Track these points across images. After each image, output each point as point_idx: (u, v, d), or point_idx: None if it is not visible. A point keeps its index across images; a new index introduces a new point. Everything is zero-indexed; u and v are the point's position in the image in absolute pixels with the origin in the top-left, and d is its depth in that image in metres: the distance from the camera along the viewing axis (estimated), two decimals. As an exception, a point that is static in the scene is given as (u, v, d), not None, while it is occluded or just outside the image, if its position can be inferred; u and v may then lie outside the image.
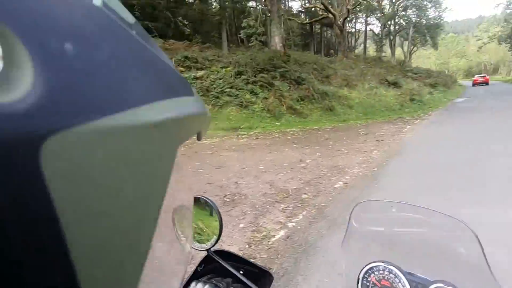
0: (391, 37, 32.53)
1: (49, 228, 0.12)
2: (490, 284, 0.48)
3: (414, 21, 31.90)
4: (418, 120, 8.91)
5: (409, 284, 0.53)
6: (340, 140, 6.20)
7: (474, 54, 60.24)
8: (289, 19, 20.57)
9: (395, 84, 14.97)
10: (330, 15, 19.12)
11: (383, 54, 31.68)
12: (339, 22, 18.89)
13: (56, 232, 0.12)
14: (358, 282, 0.57)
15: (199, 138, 0.26)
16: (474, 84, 29.18)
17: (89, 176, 0.13)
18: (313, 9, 23.65)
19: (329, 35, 30.06)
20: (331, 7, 19.05)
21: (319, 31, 29.51)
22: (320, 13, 21.76)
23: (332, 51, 25.63)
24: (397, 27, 32.59)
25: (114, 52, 0.16)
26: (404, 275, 0.54)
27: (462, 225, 0.53)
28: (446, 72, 52.15)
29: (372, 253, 0.59)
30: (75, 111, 0.12)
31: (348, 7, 19.03)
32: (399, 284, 0.54)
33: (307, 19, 24.69)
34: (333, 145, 5.72)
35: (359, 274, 0.57)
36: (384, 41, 33.20)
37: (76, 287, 0.13)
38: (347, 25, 30.22)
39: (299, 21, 23.41)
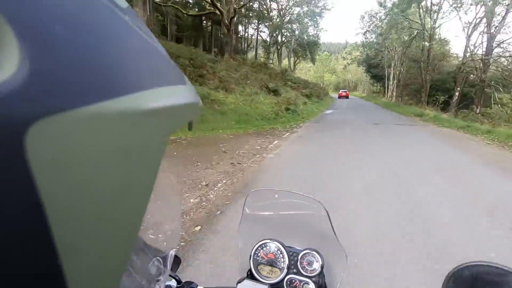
0: (278, 47, 34.68)
1: (33, 215, 0.11)
2: (337, 247, 0.66)
3: (297, 34, 35.06)
4: (287, 133, 8.46)
5: (287, 254, 0.68)
6: (187, 162, 4.64)
7: (341, 72, 72.80)
8: (163, 5, 18.14)
9: (275, 92, 15.00)
10: (218, 12, 18.00)
11: (271, 61, 33.44)
12: (226, 21, 17.97)
13: (40, 219, 0.11)
14: (250, 258, 0.69)
15: (190, 128, 0.25)
16: (339, 97, 35.00)
17: (76, 163, 0.12)
18: (203, 2, 22.12)
19: (222, 34, 29.36)
20: (220, 4, 17.94)
21: (210, 27, 28.25)
22: (208, 7, 20.38)
23: (215, 50, 24.66)
24: (283, 38, 35.18)
25: (105, 36, 0.15)
26: (284, 248, 0.69)
27: (319, 204, 0.68)
28: (321, 85, 60.77)
29: (262, 233, 0.72)
30: (62, 97, 0.12)
31: (235, 6, 18.31)
32: (281, 255, 0.68)
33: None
34: (168, 170, 4.08)
35: (251, 251, 0.69)
36: (272, 49, 35.06)
37: (60, 275, 0.12)
38: (239, 27, 30.62)
39: (184, 12, 21.32)
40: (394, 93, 29.40)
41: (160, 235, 0.41)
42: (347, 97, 35.46)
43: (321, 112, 16.69)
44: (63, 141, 0.12)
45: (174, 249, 0.43)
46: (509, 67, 17.84)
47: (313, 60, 40.20)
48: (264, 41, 35.91)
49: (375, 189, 3.60)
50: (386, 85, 31.73)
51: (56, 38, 0.12)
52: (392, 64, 29.49)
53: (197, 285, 0.63)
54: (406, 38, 24.55)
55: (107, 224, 0.15)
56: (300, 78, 28.24)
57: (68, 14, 0.14)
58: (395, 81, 29.46)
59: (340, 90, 39.45)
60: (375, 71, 35.89)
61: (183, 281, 0.61)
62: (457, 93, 20.77)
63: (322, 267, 0.66)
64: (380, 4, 24.88)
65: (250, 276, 0.69)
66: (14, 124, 0.10)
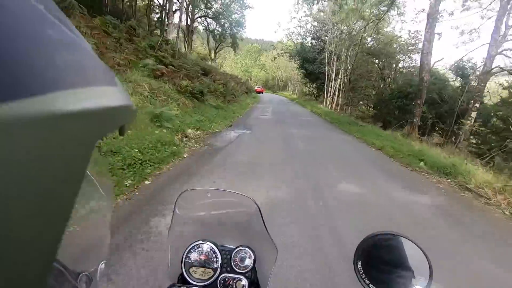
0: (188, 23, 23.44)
1: None
2: (268, 242, 0.68)
3: (215, 7, 24.56)
4: None
5: (220, 254, 0.69)
6: None
7: (270, 68, 65.22)
8: None
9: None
10: None
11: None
12: None
13: None
14: (182, 261, 0.68)
15: (121, 133, 0.24)
16: (257, 92, 36.54)
17: None
18: None
19: None
20: None
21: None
22: None
23: None
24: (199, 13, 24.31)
25: (9, 26, 0.13)
26: (217, 248, 0.69)
27: (251, 201, 0.70)
28: (250, 81, 51.65)
29: (194, 235, 0.72)
30: None
31: None
32: (214, 255, 0.69)
33: None
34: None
35: (183, 254, 0.69)
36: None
37: None
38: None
39: None
40: (336, 99, 21.48)
41: (86, 249, 0.38)
42: (262, 92, 40.77)
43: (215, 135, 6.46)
44: None
45: (104, 261, 0.40)
46: None
47: (234, 46, 29.97)
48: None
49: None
50: (326, 87, 23.68)
51: None
52: (336, 59, 21.42)
53: None
54: (370, 11, 16.10)
55: (17, 248, 0.13)
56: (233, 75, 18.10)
57: None
58: (337, 83, 21.56)
59: (256, 86, 42.92)
60: (311, 67, 27.84)
61: None
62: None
63: (254, 262, 0.70)
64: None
65: (182, 280, 0.69)
66: None
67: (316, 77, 28.27)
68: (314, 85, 32.60)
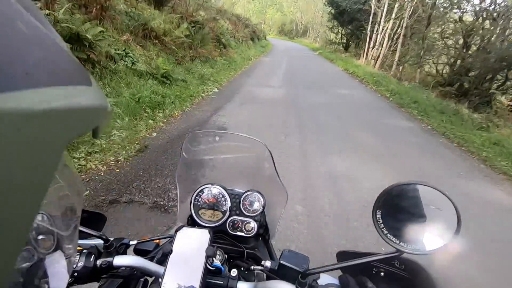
0: None
1: None
2: (279, 187, 0.69)
3: None
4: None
5: (229, 197, 0.71)
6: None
7: (288, 10, 54.34)
8: None
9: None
10: None
11: None
12: None
13: None
14: (190, 204, 0.70)
15: (95, 135, 0.22)
16: None
17: None
18: None
19: None
20: None
21: None
22: None
23: None
24: None
25: None
26: (226, 191, 0.71)
27: (262, 145, 0.69)
28: (262, 25, 42.56)
29: (202, 178, 0.73)
30: None
31: None
32: (223, 198, 0.70)
33: None
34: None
35: (191, 197, 0.70)
36: None
37: None
38: None
39: None
40: (383, 52, 14.08)
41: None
42: None
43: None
44: None
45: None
46: None
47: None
48: None
49: None
50: (369, 33, 15.85)
51: None
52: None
53: (129, 241, 0.62)
54: None
55: None
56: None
57: None
58: (386, 27, 13.91)
59: None
60: (346, 2, 19.64)
61: (111, 238, 0.59)
62: None
63: (263, 206, 0.71)
64: None
65: (191, 222, 0.72)
66: None
67: (351, 18, 20.11)
68: (344, 31, 24.31)
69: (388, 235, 0.50)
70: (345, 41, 24.85)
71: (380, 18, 14.20)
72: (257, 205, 0.71)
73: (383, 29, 14.21)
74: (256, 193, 0.71)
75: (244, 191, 0.72)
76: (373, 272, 0.57)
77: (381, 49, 14.24)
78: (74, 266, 0.52)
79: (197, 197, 0.71)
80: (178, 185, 0.73)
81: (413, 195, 0.49)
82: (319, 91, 7.46)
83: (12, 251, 0.14)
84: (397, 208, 0.50)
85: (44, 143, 0.15)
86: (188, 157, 0.73)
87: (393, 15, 13.35)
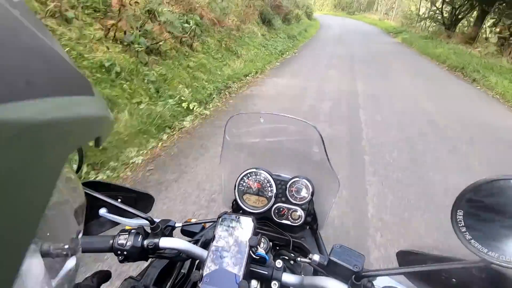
0: None
1: None
2: (329, 173, 0.63)
3: None
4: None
5: (275, 183, 0.67)
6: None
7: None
8: None
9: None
10: None
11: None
12: None
13: None
14: (235, 188, 0.69)
15: (97, 145, 0.23)
16: None
17: None
18: None
19: None
20: None
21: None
22: None
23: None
24: None
25: None
26: (271, 177, 0.68)
27: (312, 128, 0.64)
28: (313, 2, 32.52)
29: (247, 162, 0.69)
30: None
31: None
32: (268, 184, 0.67)
33: None
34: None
35: (236, 181, 0.68)
36: None
37: None
38: None
39: None
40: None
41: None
42: None
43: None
44: None
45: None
46: None
47: None
48: None
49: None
50: None
51: None
52: None
53: (175, 222, 0.63)
54: None
55: None
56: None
57: None
58: None
59: None
60: None
61: (157, 220, 0.59)
62: None
63: (312, 194, 0.67)
64: None
65: (236, 206, 0.70)
66: None
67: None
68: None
69: (472, 241, 0.41)
70: (451, 18, 14.27)
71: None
72: (304, 192, 0.68)
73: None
74: (304, 179, 0.69)
75: (290, 177, 0.70)
76: (443, 277, 0.50)
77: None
78: (123, 245, 0.55)
79: (241, 182, 0.70)
80: (222, 169, 0.73)
81: (506, 193, 0.40)
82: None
83: (14, 263, 0.14)
84: (485, 208, 0.41)
85: (46, 153, 0.14)
86: (231, 140, 0.72)
87: None
